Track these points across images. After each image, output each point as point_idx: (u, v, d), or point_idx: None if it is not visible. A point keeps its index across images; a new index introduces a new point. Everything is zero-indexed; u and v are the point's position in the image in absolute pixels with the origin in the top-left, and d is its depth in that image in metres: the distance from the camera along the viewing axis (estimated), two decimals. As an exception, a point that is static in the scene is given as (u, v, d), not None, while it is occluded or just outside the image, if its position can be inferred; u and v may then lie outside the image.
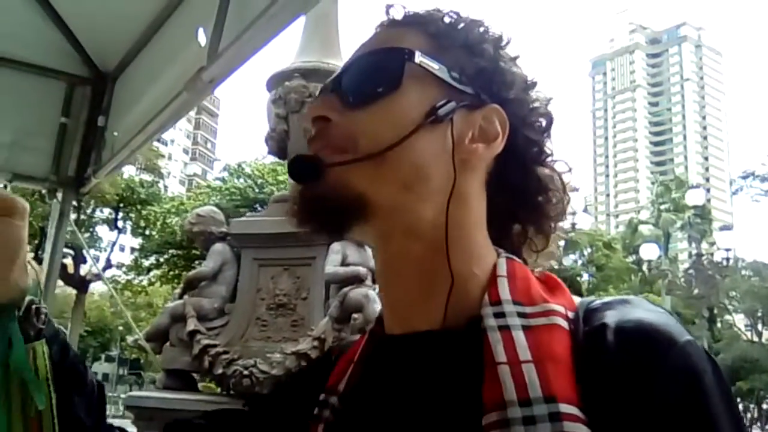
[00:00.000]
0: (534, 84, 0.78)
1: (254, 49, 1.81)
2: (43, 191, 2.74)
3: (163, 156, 35.59)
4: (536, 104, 0.77)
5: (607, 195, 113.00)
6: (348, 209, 0.69)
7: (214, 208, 6.22)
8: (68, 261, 24.56)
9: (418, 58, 0.71)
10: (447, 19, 0.77)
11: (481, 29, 0.77)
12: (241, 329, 5.10)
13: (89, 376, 0.83)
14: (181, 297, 5.48)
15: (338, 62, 5.15)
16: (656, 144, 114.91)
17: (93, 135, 2.75)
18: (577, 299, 0.70)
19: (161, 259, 27.78)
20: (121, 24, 2.50)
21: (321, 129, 0.73)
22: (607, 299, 0.68)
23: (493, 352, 0.62)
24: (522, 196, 0.77)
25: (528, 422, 0.58)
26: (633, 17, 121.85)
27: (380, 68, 0.73)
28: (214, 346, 4.92)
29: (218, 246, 5.51)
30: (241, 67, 1.89)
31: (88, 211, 27.51)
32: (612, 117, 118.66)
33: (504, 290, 0.68)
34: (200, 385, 5.63)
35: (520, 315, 0.65)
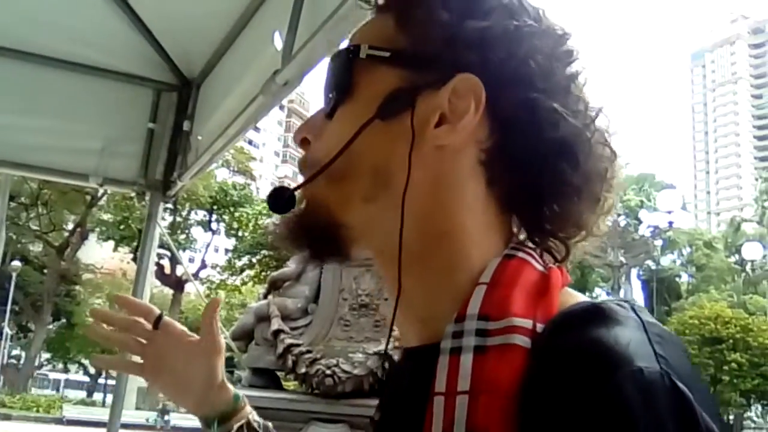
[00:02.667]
0: (524, 29, 0.62)
1: (326, 51, 1.81)
2: (132, 194, 2.85)
3: (254, 159, 36.69)
4: (529, 55, 0.62)
5: (708, 192, 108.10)
6: (324, 237, 0.64)
7: (298, 210, 6.35)
8: (165, 262, 25.66)
9: (364, 51, 0.64)
10: None
11: None
12: (324, 329, 5.18)
13: None
14: (265, 297, 5.63)
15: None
16: (760, 138, 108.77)
17: (179, 139, 2.82)
18: (568, 302, 0.58)
19: (254, 260, 28.65)
20: (204, 31, 2.55)
21: (304, 153, 0.68)
22: (581, 308, 0.55)
23: (436, 381, 0.56)
24: (533, 168, 0.62)
25: None
26: (734, 6, 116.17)
27: (333, 74, 0.67)
28: (298, 345, 5.01)
29: (302, 247, 5.61)
30: (315, 68, 1.90)
31: (184, 213, 28.65)
32: (713, 111, 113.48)
33: (475, 303, 0.58)
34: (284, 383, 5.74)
35: (480, 333, 0.55)
